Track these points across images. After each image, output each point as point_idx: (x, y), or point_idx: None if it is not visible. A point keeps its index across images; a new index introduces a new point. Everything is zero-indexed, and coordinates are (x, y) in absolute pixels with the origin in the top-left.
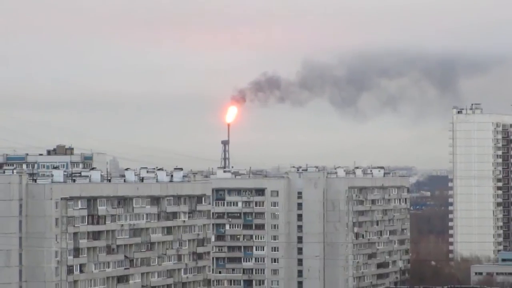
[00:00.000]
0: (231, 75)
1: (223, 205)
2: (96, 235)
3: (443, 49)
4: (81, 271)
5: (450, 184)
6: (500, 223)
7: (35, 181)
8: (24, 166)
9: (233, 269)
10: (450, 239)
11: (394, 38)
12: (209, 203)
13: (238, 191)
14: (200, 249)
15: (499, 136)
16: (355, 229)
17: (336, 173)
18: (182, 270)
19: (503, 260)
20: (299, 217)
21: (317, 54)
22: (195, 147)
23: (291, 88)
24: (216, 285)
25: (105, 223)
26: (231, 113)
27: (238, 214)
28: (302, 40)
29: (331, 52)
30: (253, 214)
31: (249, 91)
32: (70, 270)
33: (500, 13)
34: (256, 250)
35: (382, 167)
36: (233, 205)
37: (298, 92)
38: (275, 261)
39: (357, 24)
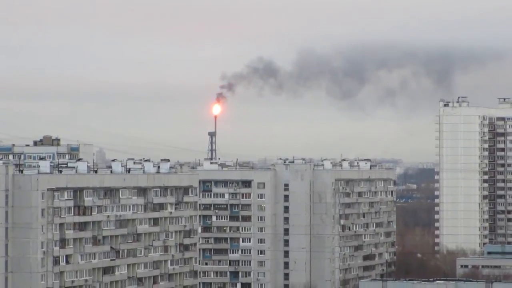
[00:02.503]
0: (222, 66)
1: (210, 197)
2: (82, 226)
3: (437, 42)
4: (67, 262)
5: (436, 177)
6: (486, 216)
7: (21, 172)
8: (11, 156)
9: (219, 261)
10: (436, 232)
11: (388, 30)
12: (196, 195)
13: (225, 183)
14: (186, 241)
15: (486, 129)
16: (342, 221)
17: (322, 165)
18: (169, 261)
19: (489, 253)
20: (286, 209)
21: (311, 44)
22: (182, 138)
23: (281, 79)
24: (203, 276)
25: (91, 214)
26: (218, 105)
27: (225, 206)
28: (296, 30)
29: (325, 42)
30: (240, 205)
31: (240, 78)
32: (56, 261)
33: (493, 4)
34: (242, 241)
35: (368, 160)
36: (220, 196)
37: (289, 82)
38: (261, 253)
39: (350, 15)
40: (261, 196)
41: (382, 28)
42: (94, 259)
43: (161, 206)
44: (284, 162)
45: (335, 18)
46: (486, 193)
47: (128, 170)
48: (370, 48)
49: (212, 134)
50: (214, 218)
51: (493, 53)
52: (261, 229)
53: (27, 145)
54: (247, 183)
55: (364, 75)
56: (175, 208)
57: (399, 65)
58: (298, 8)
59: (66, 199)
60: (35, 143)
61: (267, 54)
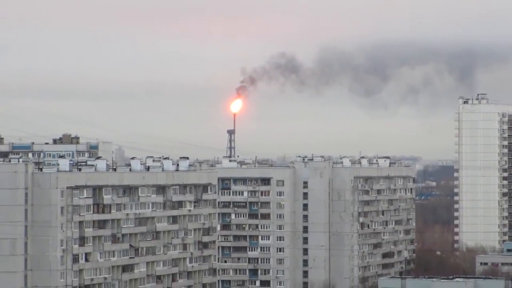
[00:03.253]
0: (242, 64)
1: (229, 195)
2: (101, 224)
3: (459, 39)
4: (86, 260)
5: (455, 174)
6: (506, 214)
7: (41, 170)
8: (30, 155)
9: (238, 258)
10: (456, 229)
11: (410, 28)
12: (215, 192)
13: (244, 181)
14: (205, 238)
15: (505, 127)
16: (361, 219)
17: (341, 162)
18: (188, 259)
19: (508, 250)
20: (305, 206)
21: (332, 42)
22: (201, 136)
23: (302, 76)
24: (222, 274)
25: (110, 212)
26: (237, 103)
27: (244, 204)
28: (318, 28)
29: (346, 41)
30: (259, 203)
31: (261, 73)
32: (75, 259)
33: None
34: (261, 239)
35: (387, 157)
36: (239, 194)
37: (311, 79)
38: (280, 251)
39: (372, 14)
40: (280, 193)
41: (403, 26)
42: (113, 257)
43: (180, 204)
44: (303, 159)
45: (357, 16)
46: (505, 190)
47: (147, 168)
48: (392, 46)
49: (231, 132)
50: (233, 216)
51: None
52: (280, 227)
53: (47, 143)
54: (266, 181)
55: (385, 72)
56: (194, 206)
57: (420, 63)
58: (320, 7)
59: (85, 197)
60: (55, 141)
61: (289, 51)
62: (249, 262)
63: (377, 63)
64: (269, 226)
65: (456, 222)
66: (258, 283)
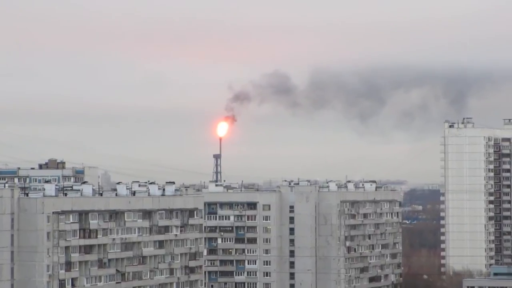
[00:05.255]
0: (227, 88)
1: (215, 219)
2: (88, 249)
3: (450, 64)
4: (73, 285)
5: (442, 198)
6: (492, 237)
7: (27, 195)
8: (16, 180)
9: (225, 283)
10: (442, 253)
11: (401, 52)
12: (201, 217)
13: (230, 205)
14: (192, 263)
15: (491, 150)
16: (347, 243)
17: (328, 187)
18: (175, 284)
19: (495, 274)
20: (291, 231)
21: (325, 65)
22: (187, 161)
23: (292, 99)
24: None
25: (96, 237)
26: (223, 126)
27: (230, 228)
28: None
29: (334, 66)
30: (245, 228)
31: (250, 92)
32: (62, 284)
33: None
34: (248, 264)
35: (374, 181)
36: (225, 219)
37: (301, 102)
38: (267, 275)
39: (365, 38)
40: (266, 218)
41: (395, 50)
42: (100, 282)
43: (166, 229)
44: (289, 184)
45: (350, 39)
46: (492, 214)
47: (133, 193)
48: (385, 69)
49: (217, 157)
50: (219, 241)
51: (508, 75)
52: (266, 251)
53: (33, 168)
54: (252, 205)
55: (378, 96)
56: (181, 231)
57: (413, 86)
58: (313, 30)
59: (71, 222)
60: (40, 166)
61: (282, 71)
62: (235, 286)
63: (370, 86)
64: (255, 251)
65: (442, 246)
66: None
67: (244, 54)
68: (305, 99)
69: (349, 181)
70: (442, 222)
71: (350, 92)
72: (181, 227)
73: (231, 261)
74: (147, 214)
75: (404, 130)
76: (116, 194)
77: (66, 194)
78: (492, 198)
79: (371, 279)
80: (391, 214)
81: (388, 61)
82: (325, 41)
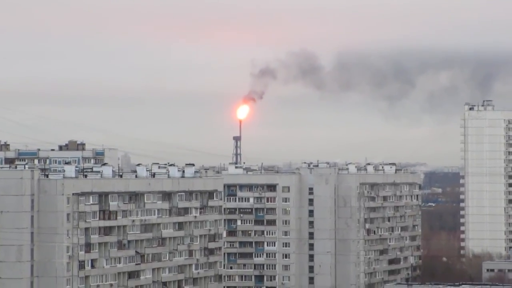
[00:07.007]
0: (251, 64)
1: (235, 201)
2: (107, 231)
3: (474, 46)
4: (92, 266)
5: (461, 181)
6: (511, 220)
7: (47, 177)
8: (36, 161)
9: (244, 265)
10: (462, 236)
11: (425, 35)
12: (221, 199)
13: (250, 187)
14: (211, 245)
15: (511, 133)
16: (367, 225)
17: (347, 169)
18: (193, 265)
19: None
20: (311, 213)
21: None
22: (207, 143)
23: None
24: (227, 280)
25: (116, 219)
26: (244, 109)
27: (250, 210)
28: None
29: (358, 49)
30: (265, 209)
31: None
32: (81, 265)
33: None
34: (267, 245)
35: (393, 163)
36: (245, 200)
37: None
38: (286, 257)
39: (393, 20)
40: (286, 200)
41: (422, 33)
42: (119, 263)
43: (186, 211)
44: (309, 166)
45: (378, 21)
46: (511, 197)
47: (153, 175)
48: (411, 52)
49: (237, 139)
50: (239, 222)
51: None
52: (286, 233)
53: (53, 150)
54: (272, 187)
55: (402, 78)
56: (200, 212)
57: (438, 69)
58: (340, 11)
59: (91, 204)
60: (61, 148)
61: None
62: (254, 268)
63: (397, 69)
64: (275, 232)
65: (462, 228)
66: None
67: (270, 36)
68: (332, 80)
69: (368, 164)
70: (461, 204)
71: (377, 74)
72: (200, 208)
73: (250, 243)
74: (166, 196)
75: (429, 113)
76: (136, 176)
77: (86, 176)
78: (511, 181)
79: (390, 261)
80: (411, 196)
81: (415, 44)
82: (352, 23)
